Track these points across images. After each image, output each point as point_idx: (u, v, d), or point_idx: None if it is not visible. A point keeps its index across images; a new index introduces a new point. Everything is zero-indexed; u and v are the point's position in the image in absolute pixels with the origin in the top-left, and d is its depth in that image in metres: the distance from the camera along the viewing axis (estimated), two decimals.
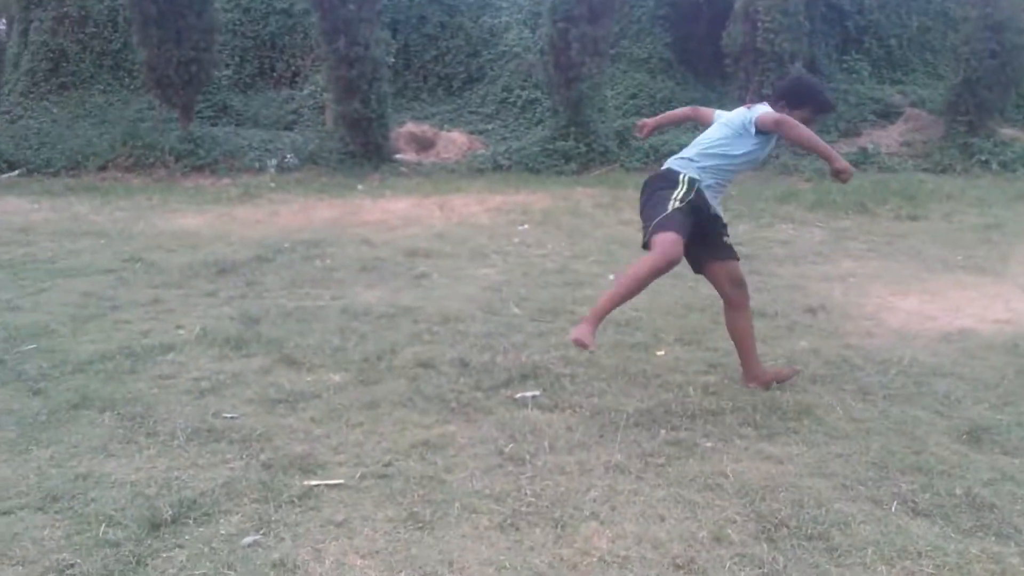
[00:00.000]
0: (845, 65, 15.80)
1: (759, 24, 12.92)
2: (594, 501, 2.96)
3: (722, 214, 4.09)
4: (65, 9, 16.79)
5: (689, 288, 5.93)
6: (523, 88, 15.64)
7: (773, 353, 4.59)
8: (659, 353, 4.60)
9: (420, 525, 2.82)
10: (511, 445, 3.42)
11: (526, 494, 3.02)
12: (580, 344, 3.66)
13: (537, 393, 4.00)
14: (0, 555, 2.65)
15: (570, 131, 13.07)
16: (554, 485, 3.09)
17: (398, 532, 2.79)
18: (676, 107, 14.91)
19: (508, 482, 3.12)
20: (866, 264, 6.92)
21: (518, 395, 3.98)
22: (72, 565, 2.59)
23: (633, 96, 15.35)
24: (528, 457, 3.31)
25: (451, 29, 16.52)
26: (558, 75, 12.93)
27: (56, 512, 2.93)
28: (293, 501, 3.00)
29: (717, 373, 4.29)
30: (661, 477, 3.15)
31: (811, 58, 14.63)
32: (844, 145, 13.72)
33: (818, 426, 3.62)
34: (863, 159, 12.96)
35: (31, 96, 16.40)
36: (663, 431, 3.54)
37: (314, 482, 3.14)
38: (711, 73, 15.46)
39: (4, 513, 2.92)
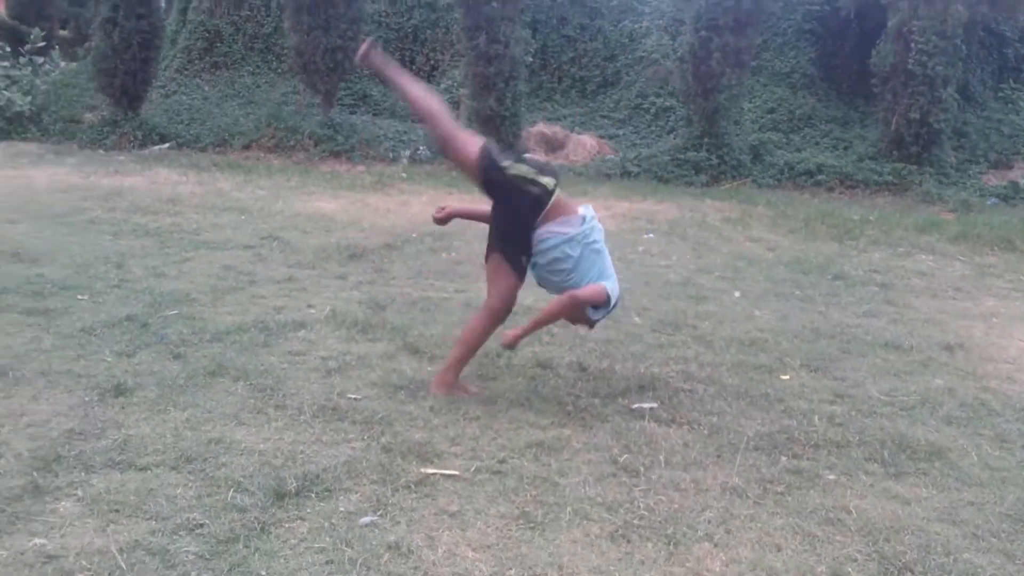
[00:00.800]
0: (1001, 94, 14.98)
1: (912, 44, 12.38)
2: (708, 522, 2.91)
3: None
4: None
5: (819, 313, 5.76)
6: (658, 95, 15.48)
7: (905, 388, 4.40)
8: (784, 377, 4.48)
9: (532, 525, 2.84)
10: (626, 455, 3.41)
11: (639, 507, 3.00)
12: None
13: (654, 405, 3.96)
14: (136, 509, 2.81)
15: (703, 142, 12.87)
16: (668, 500, 3.06)
17: (510, 529, 2.82)
18: (816, 124, 14.50)
19: (621, 492, 3.11)
20: (1010, 304, 6.55)
21: (635, 405, 3.96)
22: (201, 525, 2.72)
23: (771, 111, 14.99)
24: (642, 469, 3.29)
25: (590, 32, 16.51)
26: (696, 84, 12.75)
27: (189, 472, 3.09)
28: (410, 486, 3.07)
29: (844, 404, 4.14)
30: (780, 505, 3.07)
31: (964, 84, 13.94)
32: (994, 177, 13.03)
33: (950, 470, 3.45)
34: (1013, 193, 12.27)
35: (185, 73, 17.27)
36: (784, 458, 3.46)
37: (431, 470, 3.20)
38: (855, 92, 14.93)
39: (141, 469, 3.10)
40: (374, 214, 8.80)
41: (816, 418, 3.90)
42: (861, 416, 3.98)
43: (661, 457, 3.40)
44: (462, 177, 11.63)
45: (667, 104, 15.25)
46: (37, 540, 2.59)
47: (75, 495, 2.88)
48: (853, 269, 7.29)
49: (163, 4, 19.61)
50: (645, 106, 15.49)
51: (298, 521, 2.79)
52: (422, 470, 3.20)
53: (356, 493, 3.00)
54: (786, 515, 3.00)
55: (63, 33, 23.03)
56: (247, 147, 13.23)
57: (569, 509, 2.95)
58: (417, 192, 10.29)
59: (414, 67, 17.23)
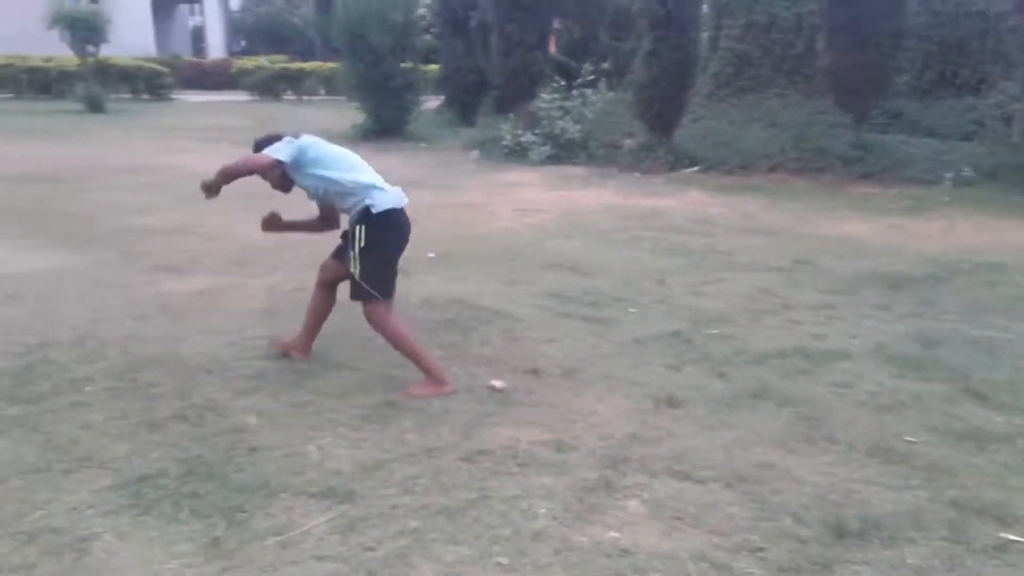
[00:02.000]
0: None
1: None
2: None
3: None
4: (754, 16, 17.99)
5: None
6: None
7: None
8: None
9: None
10: None
11: None
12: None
13: None
14: (696, 520, 2.89)
15: None
16: None
17: None
18: None
19: None
20: None
21: None
22: (762, 549, 2.71)
23: None
24: None
25: None
26: None
27: (743, 492, 3.10)
28: (987, 550, 2.73)
29: None
30: None
31: None
32: None
33: None
34: None
35: (713, 98, 17.91)
36: None
37: (1011, 536, 2.81)
38: None
39: (698, 481, 3.19)
40: (914, 240, 8.16)
41: None
42: None
43: None
44: (1020, 201, 10.27)
45: None
46: (612, 533, 2.80)
47: (640, 496, 3.06)
48: None
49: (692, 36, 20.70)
50: None
51: (863, 565, 2.63)
52: (1000, 534, 2.82)
53: (924, 547, 2.74)
54: None
55: (604, 66, 25.51)
56: (772, 169, 13.22)
57: None
58: (963, 217, 9.32)
59: (957, 81, 15.75)
